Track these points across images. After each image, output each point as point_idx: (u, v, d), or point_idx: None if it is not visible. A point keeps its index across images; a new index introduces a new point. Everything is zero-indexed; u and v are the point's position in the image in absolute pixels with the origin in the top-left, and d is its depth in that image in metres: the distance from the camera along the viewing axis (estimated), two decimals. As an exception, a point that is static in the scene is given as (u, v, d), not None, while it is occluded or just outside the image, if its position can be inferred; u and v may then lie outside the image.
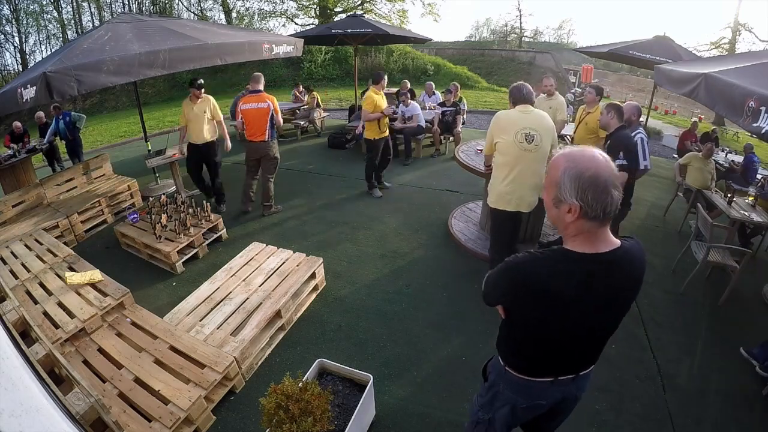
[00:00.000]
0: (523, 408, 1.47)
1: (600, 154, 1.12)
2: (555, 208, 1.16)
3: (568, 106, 6.17)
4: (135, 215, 4.30)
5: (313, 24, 20.87)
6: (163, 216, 4.04)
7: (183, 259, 3.88)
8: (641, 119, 4.22)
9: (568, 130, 6.06)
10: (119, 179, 5.38)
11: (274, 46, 5.14)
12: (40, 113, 7.12)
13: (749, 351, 2.89)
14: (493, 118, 3.01)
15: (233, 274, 3.33)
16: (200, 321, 2.85)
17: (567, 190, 1.10)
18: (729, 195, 4.43)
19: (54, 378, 2.11)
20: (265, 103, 4.42)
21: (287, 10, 21.92)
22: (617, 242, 1.16)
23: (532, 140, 2.87)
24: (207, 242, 4.17)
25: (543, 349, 1.33)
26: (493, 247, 3.37)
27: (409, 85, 7.94)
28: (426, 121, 6.97)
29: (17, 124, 6.62)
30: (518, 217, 3.17)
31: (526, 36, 37.69)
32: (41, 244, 3.78)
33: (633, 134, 3.39)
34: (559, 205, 1.13)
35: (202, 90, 4.68)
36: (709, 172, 5.06)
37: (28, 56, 20.37)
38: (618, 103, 3.48)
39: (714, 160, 5.48)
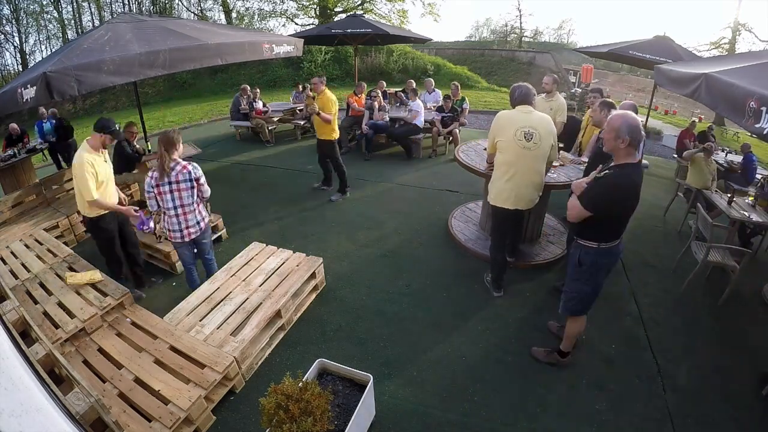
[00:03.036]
0: (612, 266, 2.43)
1: (633, 116, 2.10)
2: (614, 140, 2.10)
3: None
4: (147, 222, 3.57)
5: (313, 24, 20.87)
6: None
7: (183, 259, 3.87)
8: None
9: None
10: (119, 179, 5.37)
11: (274, 46, 5.13)
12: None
13: None
14: (495, 117, 3.08)
15: (233, 274, 3.33)
16: (200, 321, 2.85)
17: (624, 130, 2.05)
18: (729, 195, 4.42)
19: (54, 378, 2.12)
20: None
21: (287, 10, 21.93)
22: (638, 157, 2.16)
23: (531, 138, 2.91)
24: (207, 242, 4.16)
25: (618, 224, 2.28)
26: (493, 245, 3.37)
27: (414, 84, 8.09)
28: (426, 121, 6.98)
29: (13, 126, 6.56)
30: (519, 216, 3.18)
31: (526, 36, 37.59)
32: (41, 244, 3.78)
33: None
34: (617, 139, 2.08)
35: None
36: (710, 173, 5.05)
37: (28, 56, 20.37)
38: (611, 101, 3.55)
39: (714, 160, 5.46)
